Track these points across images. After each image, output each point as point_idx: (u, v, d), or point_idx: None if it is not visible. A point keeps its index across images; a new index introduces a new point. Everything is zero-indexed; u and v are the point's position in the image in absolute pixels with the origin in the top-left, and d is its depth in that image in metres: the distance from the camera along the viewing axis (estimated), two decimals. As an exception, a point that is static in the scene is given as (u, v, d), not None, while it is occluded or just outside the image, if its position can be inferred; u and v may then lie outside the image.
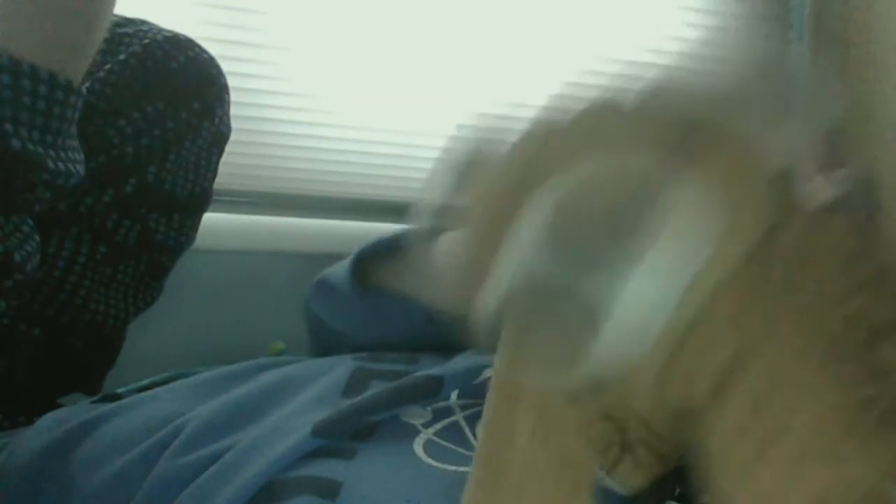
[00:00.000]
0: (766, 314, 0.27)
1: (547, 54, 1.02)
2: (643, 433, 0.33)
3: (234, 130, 0.72)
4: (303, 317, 0.65)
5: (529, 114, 0.29)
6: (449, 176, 0.30)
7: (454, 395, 0.43)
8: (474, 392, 0.43)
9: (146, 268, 0.69)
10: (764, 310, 0.27)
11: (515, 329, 0.24)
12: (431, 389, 0.43)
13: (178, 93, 0.64)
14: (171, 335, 0.86)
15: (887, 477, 0.28)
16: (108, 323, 0.68)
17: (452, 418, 0.41)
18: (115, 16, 0.60)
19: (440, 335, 0.49)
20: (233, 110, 0.71)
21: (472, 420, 0.41)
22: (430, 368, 0.45)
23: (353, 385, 0.46)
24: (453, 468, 0.37)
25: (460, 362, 0.46)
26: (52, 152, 0.44)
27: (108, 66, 0.62)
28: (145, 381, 0.58)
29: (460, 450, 0.38)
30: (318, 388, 0.45)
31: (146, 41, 0.63)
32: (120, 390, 0.56)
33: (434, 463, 0.37)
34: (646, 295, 0.23)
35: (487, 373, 0.44)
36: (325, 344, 0.63)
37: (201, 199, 0.71)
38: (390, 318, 0.56)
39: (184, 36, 0.66)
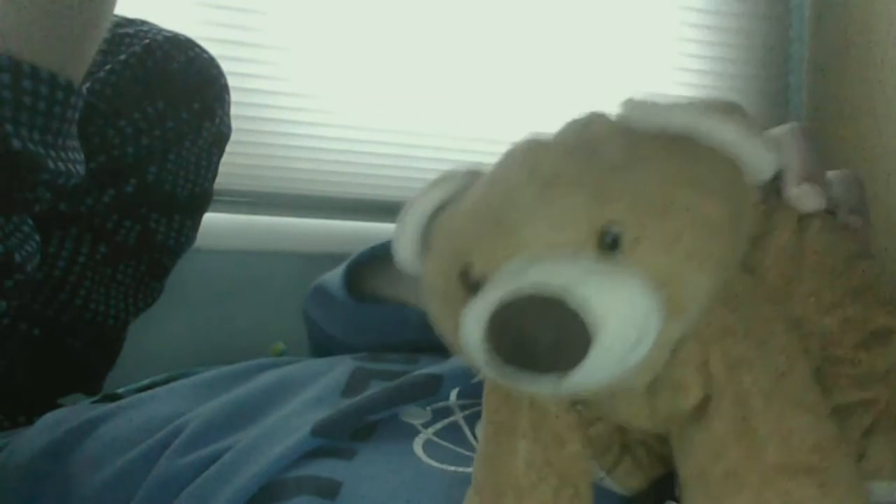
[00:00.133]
0: (754, 328, 0.27)
1: (547, 53, 1.02)
2: (643, 434, 0.33)
3: (234, 130, 0.72)
4: (302, 317, 0.65)
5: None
6: (408, 239, 0.30)
7: (454, 394, 0.43)
8: (474, 392, 0.43)
9: (146, 268, 0.69)
10: (752, 322, 0.27)
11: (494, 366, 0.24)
12: (431, 388, 0.43)
13: (179, 93, 0.64)
14: (171, 335, 0.86)
15: (880, 479, 0.28)
16: (109, 323, 0.68)
17: (452, 418, 0.41)
18: (116, 16, 0.60)
19: (437, 341, 0.49)
20: (233, 110, 0.71)
21: (472, 420, 0.41)
22: (429, 368, 0.45)
23: (353, 385, 0.46)
24: (453, 468, 0.37)
25: (459, 361, 0.46)
26: (52, 152, 0.44)
27: (108, 67, 0.62)
28: (145, 381, 0.58)
29: (460, 450, 0.38)
30: (317, 388, 0.46)
31: (146, 41, 0.63)
32: (120, 390, 0.57)
33: (434, 463, 0.37)
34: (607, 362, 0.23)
35: (487, 372, 0.44)
36: (323, 346, 0.63)
37: (202, 199, 0.71)
38: (386, 325, 0.56)
39: (184, 36, 0.66)
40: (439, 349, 0.51)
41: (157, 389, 0.51)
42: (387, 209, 0.97)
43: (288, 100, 0.96)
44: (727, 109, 0.26)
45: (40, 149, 0.43)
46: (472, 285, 0.26)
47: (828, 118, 1.07)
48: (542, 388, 0.24)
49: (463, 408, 0.43)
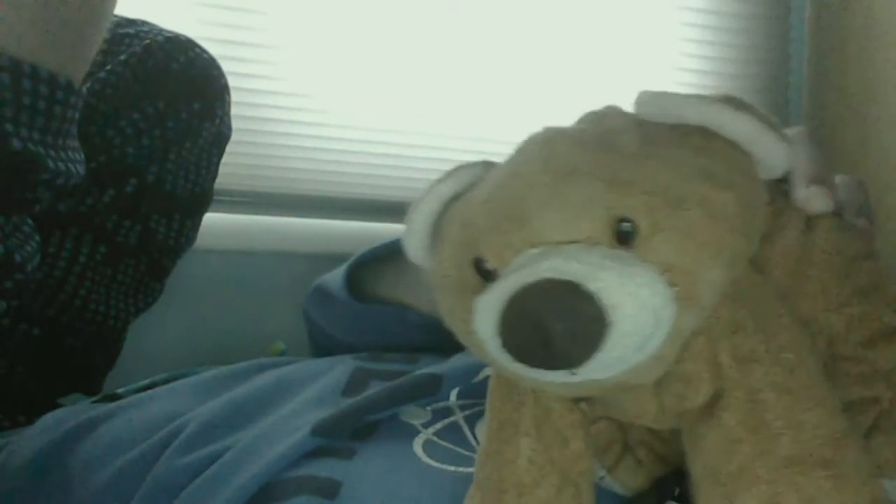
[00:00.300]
0: (764, 323, 0.27)
1: (547, 53, 1.02)
2: (644, 434, 0.33)
3: (234, 130, 0.72)
4: (303, 317, 0.65)
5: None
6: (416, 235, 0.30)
7: (454, 395, 0.43)
8: (474, 392, 0.43)
9: (146, 268, 0.69)
10: (762, 318, 0.27)
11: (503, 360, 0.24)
12: (430, 387, 0.43)
13: (179, 93, 0.64)
14: (171, 335, 0.86)
15: (882, 476, 0.28)
16: (109, 323, 0.68)
17: (452, 418, 0.41)
18: (116, 16, 0.60)
19: (437, 342, 0.49)
20: (233, 110, 0.71)
21: (472, 420, 0.41)
22: (429, 367, 0.45)
23: (353, 385, 0.46)
24: (453, 468, 0.37)
25: (459, 360, 0.46)
26: (52, 152, 0.44)
27: (108, 67, 0.62)
28: (145, 381, 0.58)
29: (460, 450, 0.38)
30: (317, 388, 0.46)
31: (147, 42, 0.63)
32: (120, 390, 0.57)
33: (433, 463, 0.37)
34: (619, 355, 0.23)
35: (487, 371, 0.44)
36: (323, 347, 0.63)
37: (202, 199, 0.71)
38: (386, 326, 0.56)
39: (184, 36, 0.66)
40: (439, 350, 0.51)
41: (157, 389, 0.51)
42: (386, 209, 0.98)
43: (287, 100, 0.96)
44: (740, 104, 0.26)
45: (40, 149, 0.43)
46: (485, 275, 0.26)
47: (827, 118, 1.07)
48: (555, 379, 0.24)
49: (463, 408, 0.43)
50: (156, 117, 0.63)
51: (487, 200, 0.27)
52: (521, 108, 1.00)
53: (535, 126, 0.29)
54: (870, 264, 0.31)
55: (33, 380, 0.63)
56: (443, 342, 0.33)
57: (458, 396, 0.43)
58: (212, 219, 0.76)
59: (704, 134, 0.26)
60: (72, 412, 0.49)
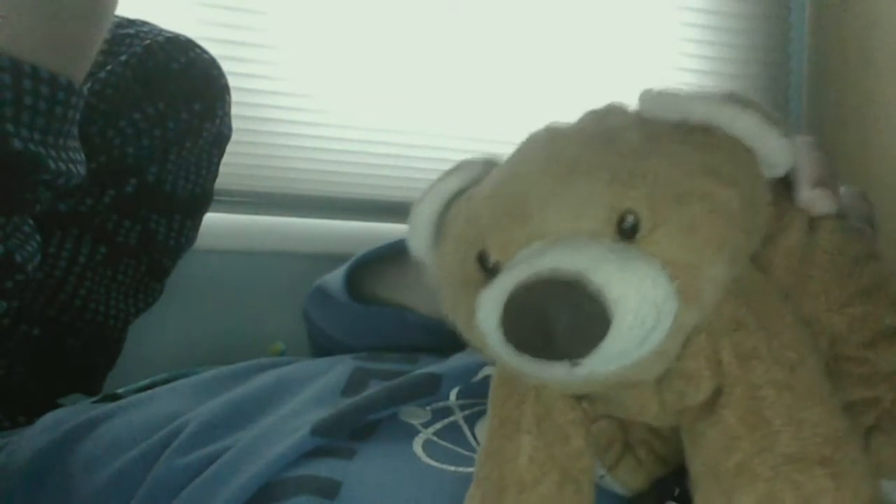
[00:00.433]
0: (766, 321, 0.27)
1: (546, 53, 1.02)
2: (645, 433, 0.33)
3: (234, 130, 0.72)
4: (303, 317, 0.65)
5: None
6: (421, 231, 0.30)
7: (453, 394, 0.43)
8: (474, 392, 0.43)
9: (147, 268, 0.69)
10: (764, 316, 0.27)
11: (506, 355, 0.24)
12: (430, 387, 0.43)
13: (179, 94, 0.64)
14: (171, 335, 0.86)
15: (881, 476, 0.28)
16: (109, 323, 0.68)
17: (452, 418, 0.41)
18: (116, 17, 0.60)
19: (436, 343, 0.49)
20: (233, 110, 0.71)
21: (472, 420, 0.41)
22: (429, 367, 0.45)
23: (353, 385, 0.46)
24: (452, 468, 0.37)
25: (458, 360, 0.46)
26: (52, 152, 0.44)
27: (108, 67, 0.62)
28: (145, 381, 0.58)
29: (460, 450, 0.38)
30: (317, 388, 0.46)
31: (147, 42, 0.63)
32: (120, 390, 0.57)
33: (433, 463, 0.37)
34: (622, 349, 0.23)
35: (486, 371, 0.44)
36: (323, 347, 0.63)
37: (202, 199, 0.71)
38: (386, 327, 0.56)
39: (184, 37, 0.66)
40: (439, 351, 0.51)
41: (157, 389, 0.51)
42: (386, 209, 0.98)
43: (287, 100, 0.96)
44: (744, 100, 0.26)
45: (41, 149, 0.43)
46: (489, 269, 0.26)
47: (827, 118, 1.07)
48: (556, 373, 0.24)
49: (463, 407, 0.43)
50: (156, 117, 0.63)
51: (491, 196, 0.27)
52: (522, 108, 1.00)
53: (536, 126, 0.29)
54: (872, 265, 0.31)
55: (33, 380, 0.63)
56: (442, 343, 0.33)
57: (458, 396, 0.43)
58: (212, 219, 0.76)
59: (707, 131, 0.26)
60: (72, 412, 0.49)
